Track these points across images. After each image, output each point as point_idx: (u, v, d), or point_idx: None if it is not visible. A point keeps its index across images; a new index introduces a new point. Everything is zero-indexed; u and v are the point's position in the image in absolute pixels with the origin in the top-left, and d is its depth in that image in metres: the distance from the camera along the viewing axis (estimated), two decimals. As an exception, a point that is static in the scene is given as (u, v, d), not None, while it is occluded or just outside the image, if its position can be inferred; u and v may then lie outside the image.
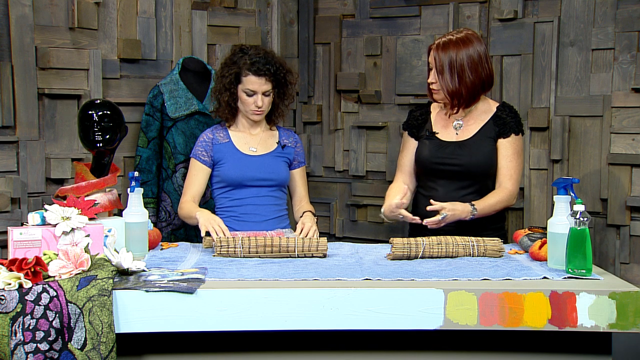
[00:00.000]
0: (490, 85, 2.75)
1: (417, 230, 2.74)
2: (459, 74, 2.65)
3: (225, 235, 2.47)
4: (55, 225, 2.15)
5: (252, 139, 2.90)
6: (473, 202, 2.62)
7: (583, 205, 2.10)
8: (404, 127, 2.90)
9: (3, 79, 2.93)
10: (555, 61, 3.29)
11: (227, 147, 2.86)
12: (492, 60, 2.98)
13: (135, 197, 2.40)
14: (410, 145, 2.85)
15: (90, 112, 2.64)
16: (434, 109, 2.86)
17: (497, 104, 2.81)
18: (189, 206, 2.77)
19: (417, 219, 2.58)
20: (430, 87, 2.73)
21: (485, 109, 2.78)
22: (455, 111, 2.73)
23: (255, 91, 2.78)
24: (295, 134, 3.02)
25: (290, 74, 2.88)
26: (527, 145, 3.37)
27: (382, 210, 2.68)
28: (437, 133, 2.78)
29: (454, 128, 2.77)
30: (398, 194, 2.65)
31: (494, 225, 2.76)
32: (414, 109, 2.92)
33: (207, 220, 2.56)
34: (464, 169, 2.69)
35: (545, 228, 2.28)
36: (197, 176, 2.85)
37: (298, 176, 2.96)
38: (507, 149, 2.74)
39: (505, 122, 2.74)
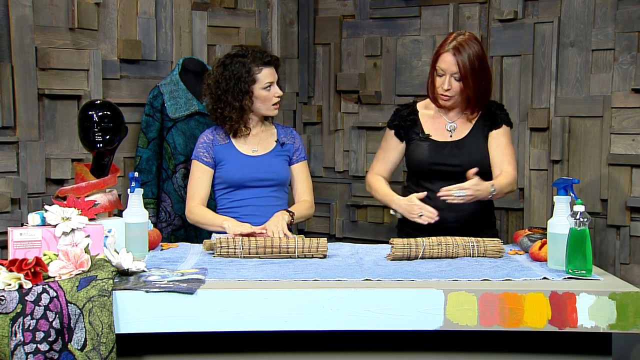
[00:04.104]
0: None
1: (406, 232, 2.75)
2: (478, 77, 2.63)
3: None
4: (55, 226, 2.15)
5: (252, 139, 2.90)
6: (492, 182, 2.61)
7: (583, 206, 2.10)
8: (389, 125, 2.84)
9: (3, 80, 2.93)
10: (555, 62, 3.29)
11: (228, 148, 2.86)
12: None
13: (135, 198, 2.40)
14: (394, 147, 2.83)
15: (90, 113, 2.64)
16: (421, 109, 2.82)
17: None
18: (206, 212, 2.79)
19: (435, 216, 2.59)
20: (445, 93, 2.66)
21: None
22: (476, 116, 2.72)
23: (272, 82, 2.83)
24: (293, 130, 3.01)
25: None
26: (527, 146, 3.37)
27: (396, 200, 2.68)
28: (430, 135, 2.75)
29: (447, 130, 2.76)
30: (388, 188, 2.76)
31: (489, 223, 2.80)
32: (400, 108, 2.86)
33: (236, 228, 2.59)
34: (463, 168, 2.68)
35: (546, 228, 2.28)
36: (202, 178, 2.85)
37: (297, 171, 2.95)
38: (500, 138, 2.73)
39: (496, 115, 2.75)
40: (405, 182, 2.90)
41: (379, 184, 2.82)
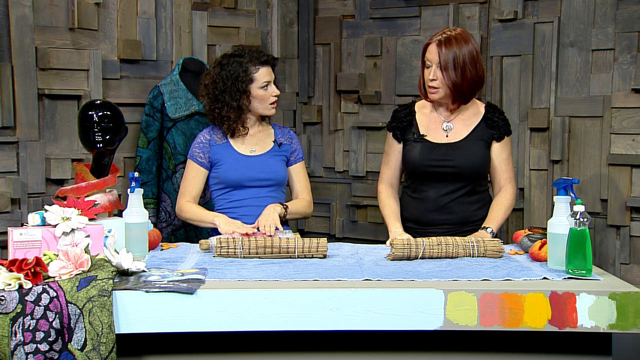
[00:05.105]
0: (482, 84, 2.73)
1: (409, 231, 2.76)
2: (462, 68, 2.62)
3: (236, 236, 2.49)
4: (55, 226, 2.15)
5: (249, 139, 2.90)
6: (487, 225, 2.65)
7: (583, 206, 2.10)
8: (388, 127, 2.84)
9: (3, 80, 2.93)
10: (555, 62, 3.29)
11: (225, 148, 2.86)
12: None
13: (135, 198, 2.40)
14: (394, 149, 2.81)
15: (90, 113, 2.64)
16: (418, 109, 2.81)
17: (483, 104, 2.80)
18: (196, 209, 2.79)
19: None
20: (430, 84, 2.67)
21: (474, 111, 2.77)
22: (456, 107, 2.70)
23: (269, 81, 2.83)
24: (290, 131, 3.02)
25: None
26: (527, 146, 3.37)
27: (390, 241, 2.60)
28: (425, 135, 2.74)
29: (443, 130, 2.74)
30: (394, 213, 2.75)
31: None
32: (398, 109, 2.85)
33: (227, 225, 2.61)
34: (458, 170, 2.68)
35: (545, 229, 2.28)
36: (196, 178, 2.86)
37: (295, 171, 2.96)
38: (503, 151, 2.75)
39: (499, 125, 2.74)
40: (404, 183, 2.89)
41: (387, 202, 2.79)
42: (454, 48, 2.63)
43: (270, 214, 2.68)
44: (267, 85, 2.83)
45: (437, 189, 2.72)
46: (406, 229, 2.76)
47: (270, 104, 2.85)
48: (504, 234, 3.42)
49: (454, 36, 2.65)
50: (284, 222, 2.81)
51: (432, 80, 2.66)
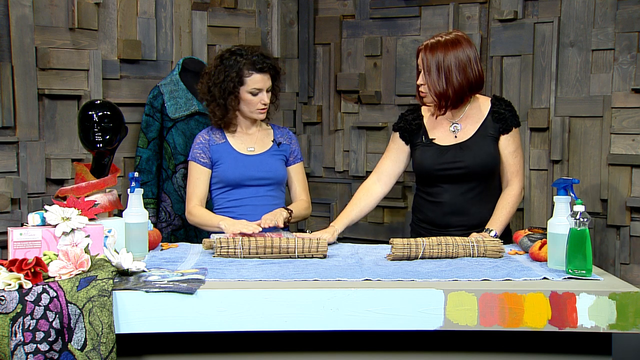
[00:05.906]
0: (480, 87, 2.70)
1: (418, 233, 2.77)
2: (446, 75, 2.61)
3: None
4: (55, 226, 2.15)
5: (248, 139, 2.91)
6: (490, 227, 2.62)
7: (583, 206, 2.10)
8: (394, 128, 2.84)
9: (3, 80, 2.93)
10: (555, 62, 3.29)
11: (224, 147, 2.87)
12: (482, 63, 2.94)
13: (135, 198, 2.40)
14: (398, 147, 2.81)
15: (90, 113, 2.64)
16: (425, 112, 2.81)
17: (489, 99, 2.78)
18: (204, 213, 2.80)
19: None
20: (420, 89, 2.68)
21: (479, 107, 2.75)
22: (442, 112, 2.68)
23: (260, 89, 2.82)
24: (289, 131, 3.02)
25: (280, 67, 2.95)
26: (527, 146, 3.37)
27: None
28: (434, 139, 2.74)
29: (451, 131, 2.74)
30: (347, 212, 2.75)
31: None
32: (406, 112, 2.86)
33: (233, 226, 2.61)
34: (468, 170, 2.67)
35: (546, 229, 2.28)
36: (200, 179, 2.86)
37: (294, 172, 2.96)
38: (510, 144, 2.72)
39: (505, 117, 2.71)
40: (410, 184, 2.89)
41: (355, 198, 2.80)
42: (438, 53, 2.61)
43: (276, 214, 2.70)
44: (258, 92, 2.82)
45: (451, 192, 2.71)
46: (422, 230, 2.77)
47: (258, 109, 2.84)
48: (504, 234, 3.42)
49: (443, 42, 2.63)
50: (286, 226, 2.82)
51: (421, 85, 2.67)
